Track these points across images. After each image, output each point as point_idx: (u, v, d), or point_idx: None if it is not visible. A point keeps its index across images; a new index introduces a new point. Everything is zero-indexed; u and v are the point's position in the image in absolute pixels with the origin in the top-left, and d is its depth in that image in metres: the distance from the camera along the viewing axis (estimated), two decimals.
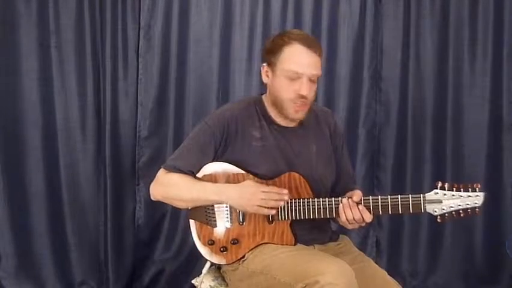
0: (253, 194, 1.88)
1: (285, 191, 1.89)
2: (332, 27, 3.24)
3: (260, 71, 2.01)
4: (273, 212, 1.90)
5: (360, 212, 1.85)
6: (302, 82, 1.89)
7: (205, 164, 1.98)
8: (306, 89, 1.89)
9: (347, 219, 1.87)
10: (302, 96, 1.90)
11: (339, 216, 1.89)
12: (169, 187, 1.98)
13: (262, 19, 3.20)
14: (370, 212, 1.86)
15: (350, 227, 1.92)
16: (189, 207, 2.01)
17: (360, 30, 3.26)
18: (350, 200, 1.87)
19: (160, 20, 3.18)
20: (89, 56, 3.13)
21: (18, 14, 3.05)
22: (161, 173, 2.01)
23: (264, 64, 1.98)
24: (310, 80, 1.91)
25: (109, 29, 3.12)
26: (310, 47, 1.89)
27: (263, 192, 1.88)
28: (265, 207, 1.88)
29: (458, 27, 3.27)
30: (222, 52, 3.20)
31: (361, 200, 1.87)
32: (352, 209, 1.86)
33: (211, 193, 1.93)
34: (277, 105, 1.96)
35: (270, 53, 1.94)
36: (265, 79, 1.99)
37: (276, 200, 1.88)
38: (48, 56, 3.09)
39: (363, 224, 1.90)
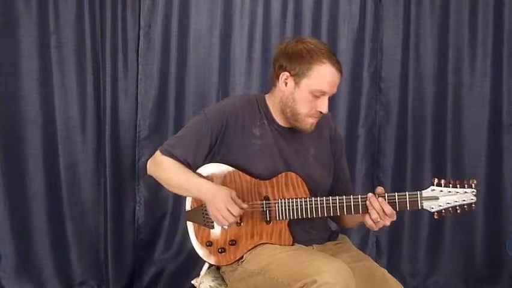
0: (220, 209, 1.86)
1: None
2: (332, 27, 3.24)
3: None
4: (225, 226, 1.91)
5: (380, 205, 1.85)
6: (324, 100, 1.92)
7: (200, 155, 1.98)
8: (327, 107, 1.93)
9: (372, 217, 1.86)
10: (321, 113, 1.94)
11: (360, 213, 1.89)
12: (162, 170, 1.99)
13: (262, 19, 3.20)
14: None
15: (375, 227, 1.90)
16: (176, 193, 2.03)
17: (360, 30, 3.25)
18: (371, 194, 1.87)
19: (160, 20, 3.18)
20: (89, 56, 3.14)
21: (18, 14, 3.05)
22: (159, 154, 2.01)
23: (285, 73, 1.94)
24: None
25: (109, 29, 3.12)
26: (338, 68, 1.92)
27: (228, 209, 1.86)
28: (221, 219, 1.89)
29: (458, 27, 3.26)
30: (222, 52, 3.20)
31: (385, 194, 1.87)
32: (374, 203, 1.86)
33: (193, 187, 1.93)
34: (291, 115, 1.96)
35: (294, 62, 1.92)
36: (282, 86, 1.96)
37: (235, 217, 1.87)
38: (48, 56, 3.09)
39: (387, 221, 1.88)
